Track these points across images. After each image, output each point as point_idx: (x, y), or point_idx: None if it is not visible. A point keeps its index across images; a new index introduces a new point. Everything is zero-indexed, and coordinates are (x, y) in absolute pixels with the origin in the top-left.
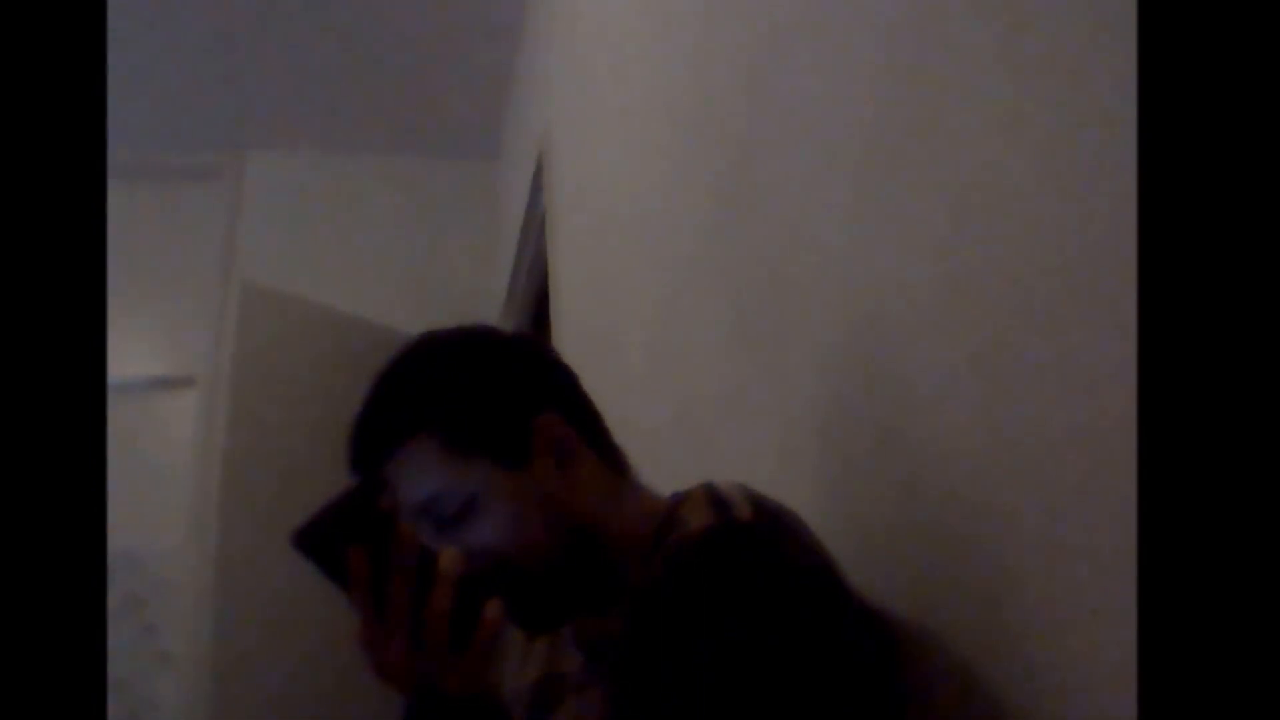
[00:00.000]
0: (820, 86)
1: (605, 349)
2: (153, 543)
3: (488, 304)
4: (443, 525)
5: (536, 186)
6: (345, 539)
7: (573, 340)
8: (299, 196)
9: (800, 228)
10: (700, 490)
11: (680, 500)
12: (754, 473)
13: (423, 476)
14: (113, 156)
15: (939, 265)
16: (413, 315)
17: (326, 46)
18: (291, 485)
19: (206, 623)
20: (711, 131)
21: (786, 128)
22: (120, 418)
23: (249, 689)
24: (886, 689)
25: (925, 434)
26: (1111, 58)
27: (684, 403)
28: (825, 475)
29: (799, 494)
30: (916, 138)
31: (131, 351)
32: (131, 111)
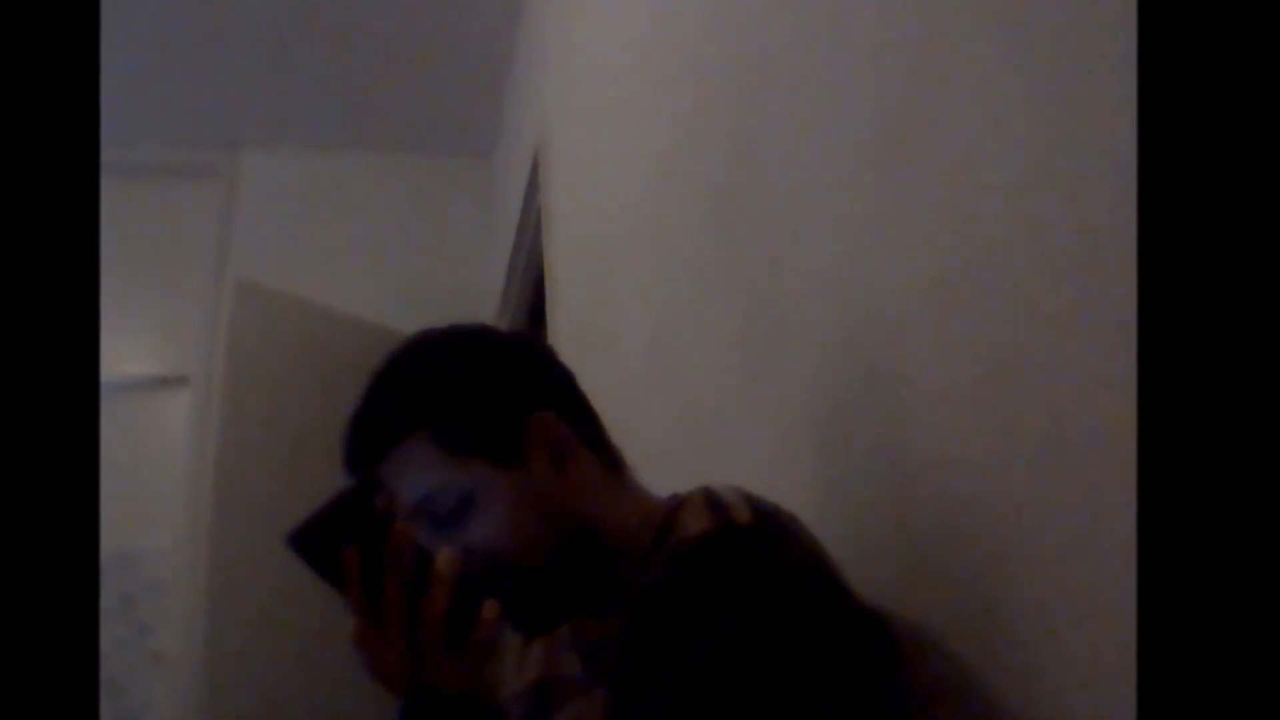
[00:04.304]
0: (820, 86)
1: (602, 348)
2: (146, 543)
3: (483, 303)
4: (439, 524)
5: (533, 184)
6: (340, 539)
7: (569, 339)
8: (293, 194)
9: (799, 227)
10: (698, 493)
11: (678, 503)
12: (752, 474)
13: (419, 475)
14: (106, 154)
15: (938, 266)
16: (408, 314)
17: (321, 43)
18: (286, 485)
19: (200, 623)
20: (710, 130)
21: (786, 127)
22: (114, 417)
23: (242, 690)
24: (886, 690)
25: (924, 435)
26: (1111, 57)
27: (682, 403)
28: (824, 477)
29: (797, 496)
30: (916, 138)
31: (125, 351)
32: (125, 109)
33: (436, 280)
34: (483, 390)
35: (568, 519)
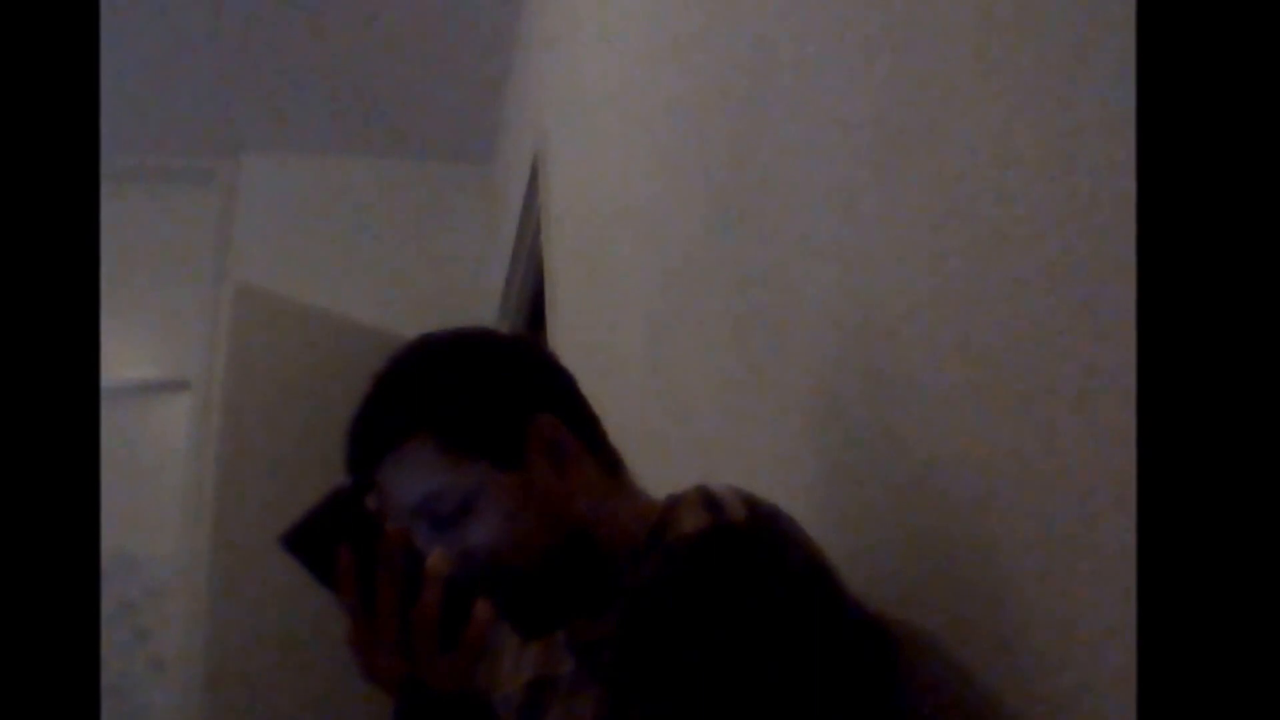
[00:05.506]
0: (817, 88)
1: (601, 351)
2: (146, 547)
3: (483, 307)
4: (439, 525)
5: (532, 189)
6: (333, 539)
7: (569, 343)
8: (293, 199)
9: (797, 230)
10: (694, 492)
11: (674, 502)
12: (750, 475)
13: (419, 476)
14: (106, 159)
15: (936, 267)
16: (408, 318)
17: (321, 49)
18: (286, 489)
19: (200, 627)
20: (708, 134)
21: (783, 129)
22: (114, 421)
23: (242, 694)
24: (883, 691)
25: (922, 436)
26: (1111, 59)
27: (680, 405)
28: (821, 477)
29: (795, 496)
30: (914, 140)
31: (125, 355)
32: (125, 114)
33: (436, 284)
34: (484, 392)
35: (567, 521)
